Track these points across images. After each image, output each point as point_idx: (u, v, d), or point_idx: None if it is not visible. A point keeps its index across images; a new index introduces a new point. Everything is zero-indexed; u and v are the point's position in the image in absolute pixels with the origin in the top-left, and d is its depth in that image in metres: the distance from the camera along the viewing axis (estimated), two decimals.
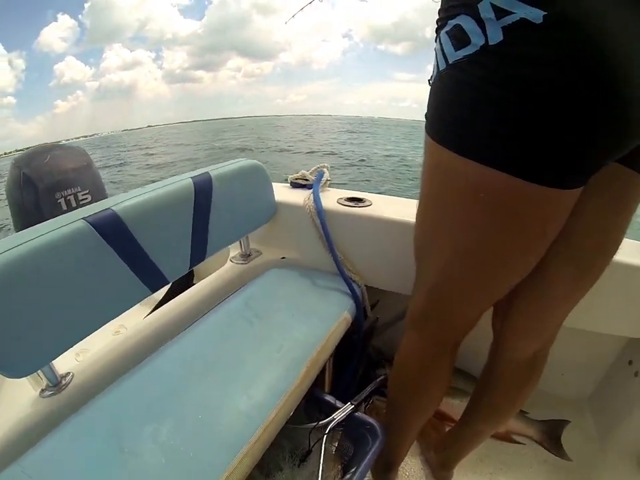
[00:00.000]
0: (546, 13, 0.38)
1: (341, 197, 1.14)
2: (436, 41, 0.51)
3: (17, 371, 0.61)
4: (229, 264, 1.16)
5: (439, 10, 0.51)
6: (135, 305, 0.79)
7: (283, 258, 1.20)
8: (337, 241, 1.08)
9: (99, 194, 1.37)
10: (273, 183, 1.19)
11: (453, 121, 0.50)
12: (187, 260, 0.87)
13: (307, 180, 1.20)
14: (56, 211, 1.28)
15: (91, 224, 0.65)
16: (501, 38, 0.40)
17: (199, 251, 0.90)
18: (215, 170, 0.91)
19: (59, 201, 1.28)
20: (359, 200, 1.13)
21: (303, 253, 1.18)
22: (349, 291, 1.05)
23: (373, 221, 1.06)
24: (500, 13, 0.40)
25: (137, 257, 0.74)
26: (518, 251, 0.57)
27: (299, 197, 1.13)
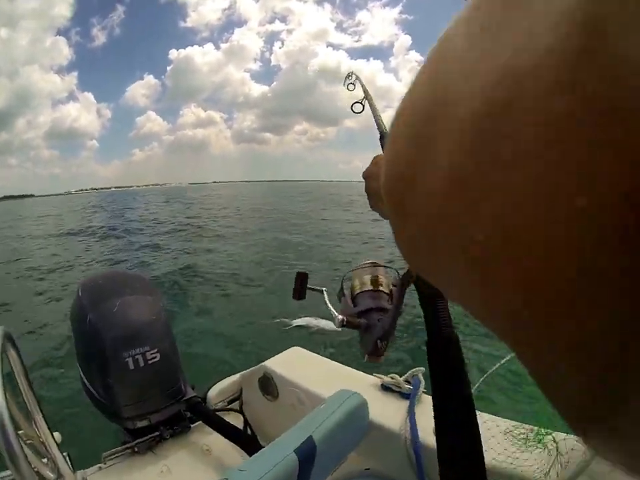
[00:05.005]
0: None
1: None
2: None
3: None
4: None
5: None
6: None
7: (367, 469, 1.13)
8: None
9: (167, 350, 1.30)
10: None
11: None
12: None
13: (399, 387, 1.18)
14: (123, 371, 1.19)
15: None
16: None
17: None
18: (318, 430, 0.88)
19: (125, 360, 1.20)
20: None
21: (388, 467, 1.13)
22: None
23: None
24: None
25: None
26: None
27: (393, 415, 1.10)
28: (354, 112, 0.85)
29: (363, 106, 0.85)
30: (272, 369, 1.42)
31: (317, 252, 9.87)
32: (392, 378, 1.21)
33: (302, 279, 0.69)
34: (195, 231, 13.85)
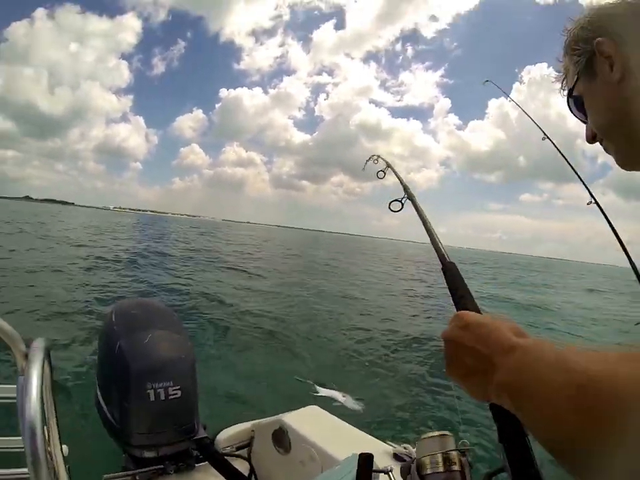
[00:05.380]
0: None
1: None
2: None
3: None
4: None
5: None
6: None
7: None
8: None
9: (189, 389, 1.34)
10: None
11: None
12: None
13: (411, 458, 1.14)
14: (143, 401, 1.24)
15: None
16: None
17: None
18: None
19: (147, 391, 1.24)
20: None
21: None
22: None
23: None
24: None
25: None
26: None
27: None
28: (392, 210, 0.81)
29: (402, 204, 0.78)
30: (288, 423, 1.42)
31: (353, 303, 9.86)
32: (405, 448, 1.19)
33: (366, 462, 0.63)
34: (229, 268, 14.16)
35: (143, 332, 1.33)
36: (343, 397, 3.96)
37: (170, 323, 1.44)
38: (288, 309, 8.71)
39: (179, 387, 1.29)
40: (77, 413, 3.10)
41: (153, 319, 1.41)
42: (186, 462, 1.39)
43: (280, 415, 1.51)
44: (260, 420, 1.61)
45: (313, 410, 1.58)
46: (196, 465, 1.42)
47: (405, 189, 0.82)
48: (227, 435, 1.57)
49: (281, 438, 1.42)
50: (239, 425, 1.63)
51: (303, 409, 1.58)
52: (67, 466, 0.99)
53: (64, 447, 1.00)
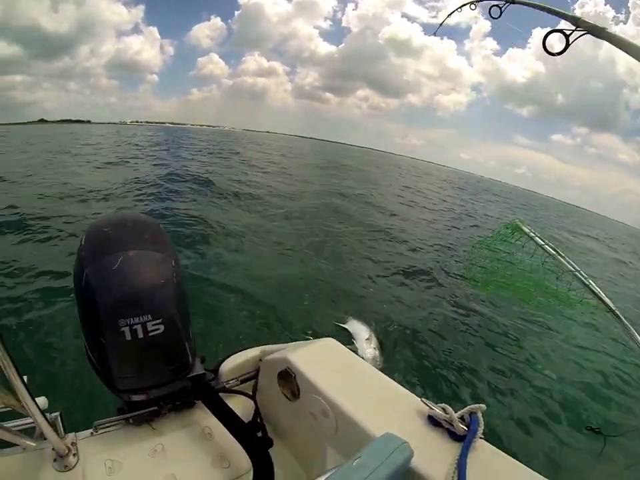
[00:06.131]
0: None
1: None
2: None
3: None
4: None
5: None
6: None
7: None
8: None
9: (175, 321, 1.08)
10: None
11: None
12: None
13: (451, 424, 0.89)
14: (118, 341, 1.01)
15: None
16: None
17: None
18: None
19: (122, 329, 1.00)
20: None
21: None
22: None
23: None
24: None
25: None
26: None
27: (438, 459, 0.85)
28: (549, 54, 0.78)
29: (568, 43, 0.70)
30: (296, 366, 1.17)
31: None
32: (444, 410, 0.92)
33: None
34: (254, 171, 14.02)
35: (112, 255, 1.04)
36: (368, 337, 3.47)
37: (149, 240, 1.13)
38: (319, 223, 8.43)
39: (160, 320, 1.03)
40: (77, 354, 2.96)
41: (127, 237, 1.10)
42: (183, 400, 1.22)
43: (288, 348, 1.28)
44: (268, 347, 1.39)
45: (328, 345, 1.31)
46: (196, 401, 1.25)
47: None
48: (232, 365, 1.37)
49: (289, 381, 1.19)
50: (244, 352, 1.42)
51: (315, 342, 1.32)
52: (54, 413, 1.03)
53: (41, 399, 0.98)
